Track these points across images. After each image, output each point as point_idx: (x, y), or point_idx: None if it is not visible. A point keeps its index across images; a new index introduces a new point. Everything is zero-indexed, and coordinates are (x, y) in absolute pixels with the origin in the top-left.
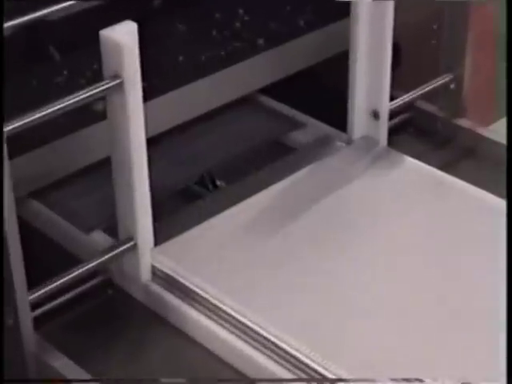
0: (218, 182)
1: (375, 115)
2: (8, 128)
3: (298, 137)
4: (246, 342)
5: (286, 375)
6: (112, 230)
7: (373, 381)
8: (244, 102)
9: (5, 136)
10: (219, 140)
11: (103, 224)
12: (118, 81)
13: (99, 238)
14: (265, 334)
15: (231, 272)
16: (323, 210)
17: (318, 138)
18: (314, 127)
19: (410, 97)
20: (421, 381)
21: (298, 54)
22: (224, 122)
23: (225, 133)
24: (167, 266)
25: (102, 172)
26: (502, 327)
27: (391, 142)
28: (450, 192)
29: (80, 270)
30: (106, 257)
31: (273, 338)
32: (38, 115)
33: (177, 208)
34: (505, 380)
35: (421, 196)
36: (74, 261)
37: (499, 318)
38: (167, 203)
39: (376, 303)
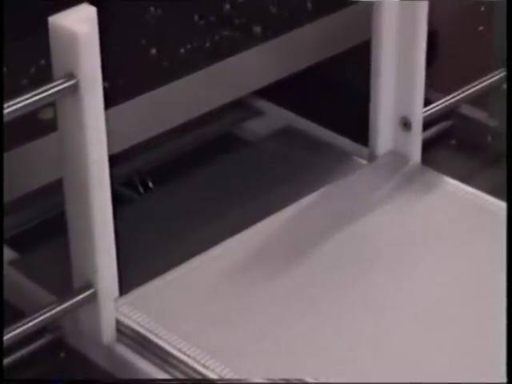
0: (151, 184)
1: (405, 125)
2: None
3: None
4: None
5: None
6: (17, 241)
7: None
8: (236, 107)
9: None
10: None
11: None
12: (72, 82)
13: None
14: None
15: (217, 328)
16: (337, 246)
17: (331, 154)
18: (328, 140)
19: (451, 100)
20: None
21: (304, 45)
22: None
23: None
24: (136, 321)
25: None
26: None
27: (426, 159)
28: (502, 222)
29: (23, 327)
30: (57, 309)
31: None
32: None
33: None
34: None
35: (464, 227)
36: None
37: None
38: None
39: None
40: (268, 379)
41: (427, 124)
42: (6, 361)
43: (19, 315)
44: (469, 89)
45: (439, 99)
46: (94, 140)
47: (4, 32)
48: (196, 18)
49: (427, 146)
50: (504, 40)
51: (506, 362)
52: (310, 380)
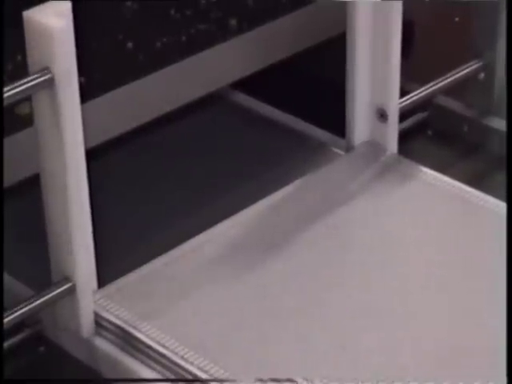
0: None
1: (382, 115)
2: None
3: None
4: None
5: None
6: None
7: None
8: (212, 100)
9: None
10: None
11: None
12: (47, 76)
13: None
14: None
15: (198, 321)
16: (314, 236)
17: (308, 145)
18: (304, 131)
19: (427, 91)
20: (292, 381)
21: (280, 38)
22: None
23: None
24: (115, 314)
25: None
26: None
27: (403, 149)
28: (477, 212)
29: (1, 322)
30: (36, 303)
31: None
32: None
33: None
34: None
35: (441, 217)
36: None
37: None
38: None
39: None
40: (258, 380)
41: (404, 115)
42: None
43: None
44: (445, 79)
45: (415, 90)
46: (71, 134)
47: None
48: (172, 11)
49: (404, 136)
50: (479, 30)
51: (507, 361)
52: (300, 380)
